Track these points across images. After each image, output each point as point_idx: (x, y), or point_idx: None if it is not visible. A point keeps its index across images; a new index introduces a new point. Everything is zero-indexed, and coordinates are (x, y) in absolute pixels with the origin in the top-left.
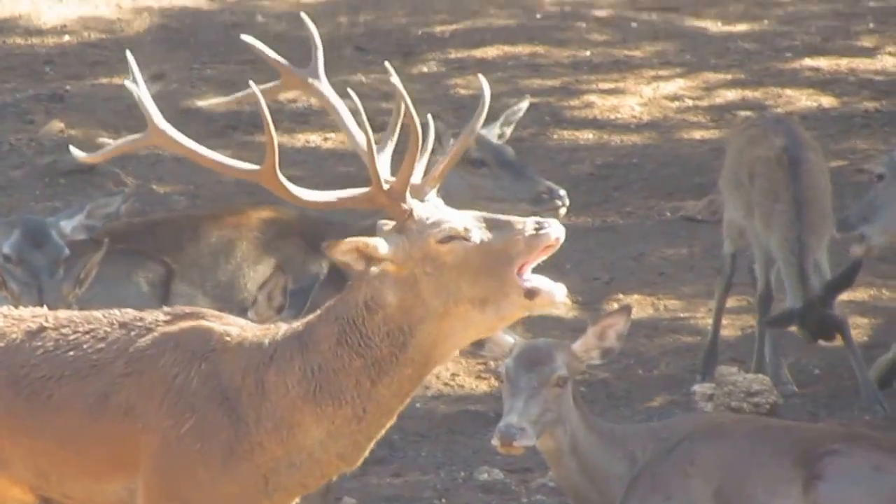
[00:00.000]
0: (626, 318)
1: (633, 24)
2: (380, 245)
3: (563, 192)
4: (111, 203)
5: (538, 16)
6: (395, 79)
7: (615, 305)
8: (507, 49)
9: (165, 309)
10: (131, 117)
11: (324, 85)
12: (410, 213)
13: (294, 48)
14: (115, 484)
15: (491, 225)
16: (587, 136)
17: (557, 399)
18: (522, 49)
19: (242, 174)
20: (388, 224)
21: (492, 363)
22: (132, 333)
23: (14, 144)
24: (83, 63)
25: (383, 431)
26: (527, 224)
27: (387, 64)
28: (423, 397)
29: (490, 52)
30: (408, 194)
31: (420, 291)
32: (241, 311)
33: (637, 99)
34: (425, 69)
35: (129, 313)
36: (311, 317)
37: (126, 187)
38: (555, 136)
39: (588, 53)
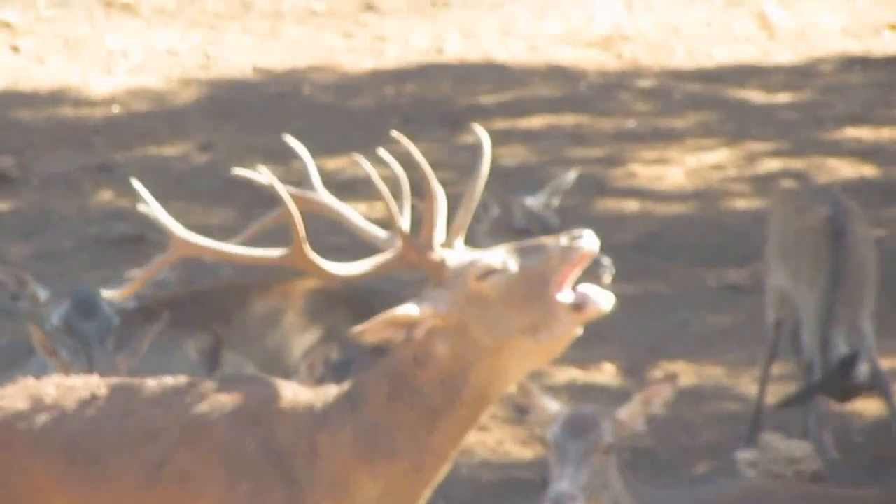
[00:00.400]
0: (672, 386)
1: (676, 95)
2: (409, 309)
3: (607, 261)
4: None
5: (582, 86)
6: (405, 142)
7: (659, 373)
8: (552, 119)
9: (219, 376)
10: (179, 187)
11: (323, 195)
12: (443, 262)
13: (341, 119)
14: None
15: (525, 251)
16: (631, 205)
17: (603, 466)
18: (567, 119)
19: (273, 261)
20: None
21: (537, 430)
22: (186, 400)
23: (63, 214)
24: (131, 133)
25: (442, 476)
26: (559, 240)
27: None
28: (468, 464)
29: (535, 121)
30: (437, 246)
31: (470, 334)
32: (288, 379)
33: (680, 168)
34: (471, 139)
35: (182, 379)
36: (359, 376)
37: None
38: (599, 206)
39: (632, 123)
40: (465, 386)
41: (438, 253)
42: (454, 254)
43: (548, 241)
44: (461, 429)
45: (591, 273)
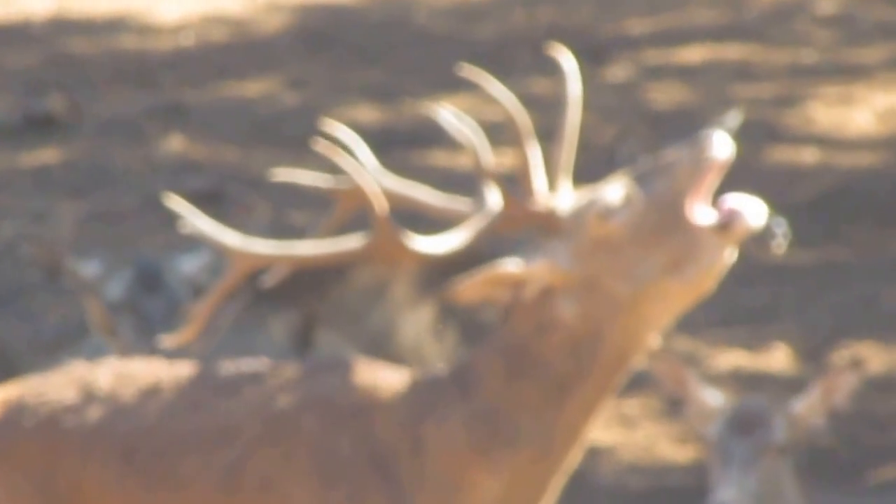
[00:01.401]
0: (857, 374)
1: (863, 22)
2: (510, 264)
3: (781, 224)
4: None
5: (750, 12)
6: (480, 79)
7: (842, 358)
8: (714, 52)
9: (310, 358)
10: (264, 131)
11: (383, 177)
12: (553, 211)
13: (459, 51)
14: None
15: (648, 176)
16: (808, 155)
17: (776, 470)
18: (731, 51)
19: (353, 255)
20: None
21: (695, 427)
22: (269, 389)
23: (125, 167)
24: (207, 69)
25: (576, 460)
26: (689, 150)
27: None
28: (612, 470)
29: (692, 55)
30: (541, 194)
31: (603, 287)
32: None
33: (868, 110)
34: (616, 75)
35: (265, 365)
36: (467, 355)
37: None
38: (769, 156)
39: (809, 56)
40: (602, 348)
41: (545, 201)
42: (564, 200)
43: (671, 155)
44: (596, 399)
45: (761, 239)
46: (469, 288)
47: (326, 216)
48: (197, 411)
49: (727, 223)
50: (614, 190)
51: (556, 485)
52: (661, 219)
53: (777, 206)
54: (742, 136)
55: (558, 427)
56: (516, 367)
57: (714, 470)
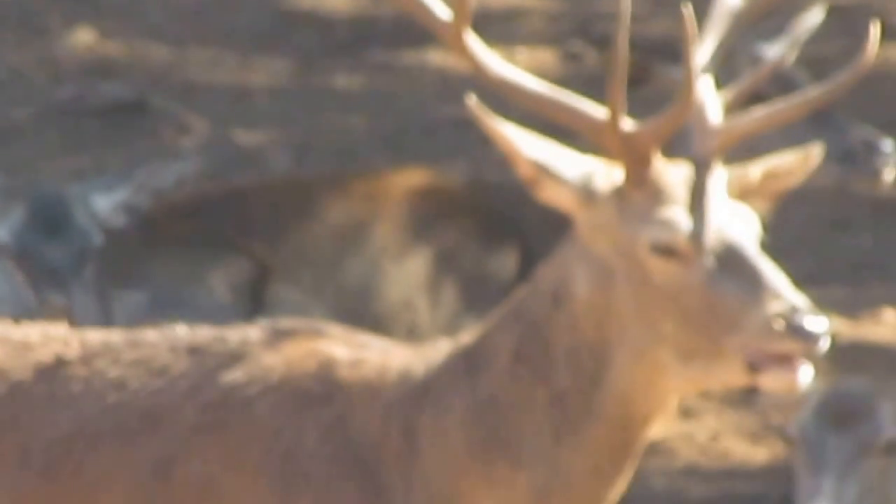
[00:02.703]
0: None
1: None
2: (562, 166)
3: (889, 146)
4: (173, 168)
5: None
6: None
7: None
8: None
9: (261, 324)
10: (201, 24)
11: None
12: (645, 176)
13: None
14: None
15: (734, 262)
16: None
17: (882, 474)
18: None
19: (584, 122)
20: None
21: (774, 419)
22: (209, 364)
23: (18, 69)
24: None
25: None
26: (775, 303)
27: None
28: (667, 470)
29: None
30: (656, 152)
31: (615, 296)
32: (379, 332)
33: None
34: None
35: (204, 333)
36: (487, 323)
37: (195, 137)
38: (879, 56)
39: None
40: (603, 378)
41: (653, 160)
42: (671, 175)
43: (767, 285)
44: (600, 459)
45: (865, 162)
46: (498, 131)
47: None
48: (114, 392)
49: (764, 368)
50: (698, 228)
51: None
52: (707, 318)
53: (883, 124)
54: (839, 30)
55: (556, 467)
56: (525, 345)
57: (801, 476)
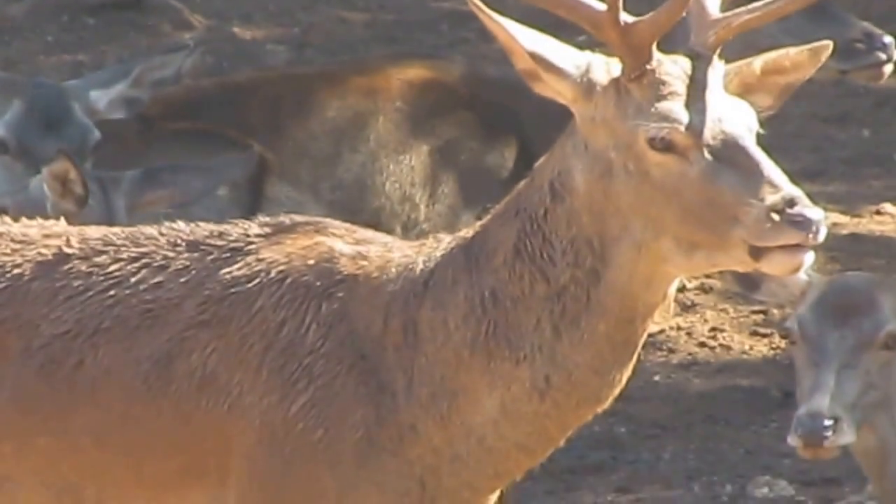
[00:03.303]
0: None
1: None
2: (561, 60)
3: (889, 41)
4: (170, 61)
5: None
6: None
7: None
8: None
9: (261, 219)
10: None
11: None
12: (643, 69)
13: None
14: (188, 502)
15: (731, 155)
16: None
17: (885, 370)
18: None
19: (586, 14)
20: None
21: (775, 311)
22: (209, 259)
23: None
24: None
25: (583, 422)
26: (773, 195)
27: None
28: (666, 365)
29: None
30: (653, 46)
31: (613, 190)
32: (377, 225)
33: None
34: None
35: (203, 228)
36: (487, 217)
37: (193, 33)
38: None
39: None
40: (603, 272)
41: (651, 54)
42: (670, 69)
43: (763, 175)
44: (601, 352)
45: (865, 54)
46: (498, 25)
47: None
48: (114, 288)
49: (767, 252)
50: (696, 123)
51: (558, 437)
52: (706, 211)
53: (892, 20)
54: None
55: (556, 361)
56: (524, 240)
57: (801, 371)
